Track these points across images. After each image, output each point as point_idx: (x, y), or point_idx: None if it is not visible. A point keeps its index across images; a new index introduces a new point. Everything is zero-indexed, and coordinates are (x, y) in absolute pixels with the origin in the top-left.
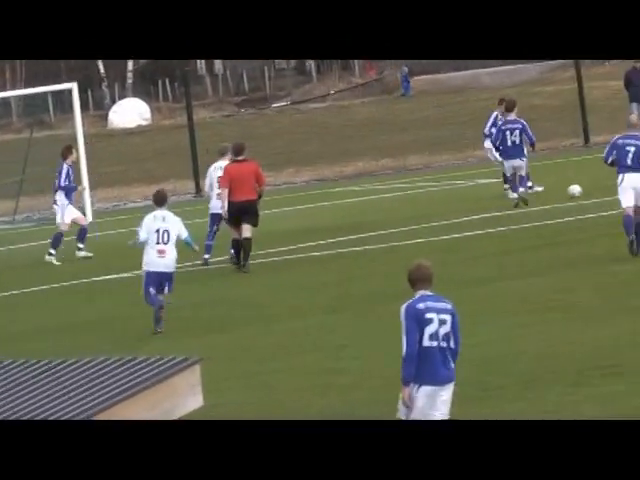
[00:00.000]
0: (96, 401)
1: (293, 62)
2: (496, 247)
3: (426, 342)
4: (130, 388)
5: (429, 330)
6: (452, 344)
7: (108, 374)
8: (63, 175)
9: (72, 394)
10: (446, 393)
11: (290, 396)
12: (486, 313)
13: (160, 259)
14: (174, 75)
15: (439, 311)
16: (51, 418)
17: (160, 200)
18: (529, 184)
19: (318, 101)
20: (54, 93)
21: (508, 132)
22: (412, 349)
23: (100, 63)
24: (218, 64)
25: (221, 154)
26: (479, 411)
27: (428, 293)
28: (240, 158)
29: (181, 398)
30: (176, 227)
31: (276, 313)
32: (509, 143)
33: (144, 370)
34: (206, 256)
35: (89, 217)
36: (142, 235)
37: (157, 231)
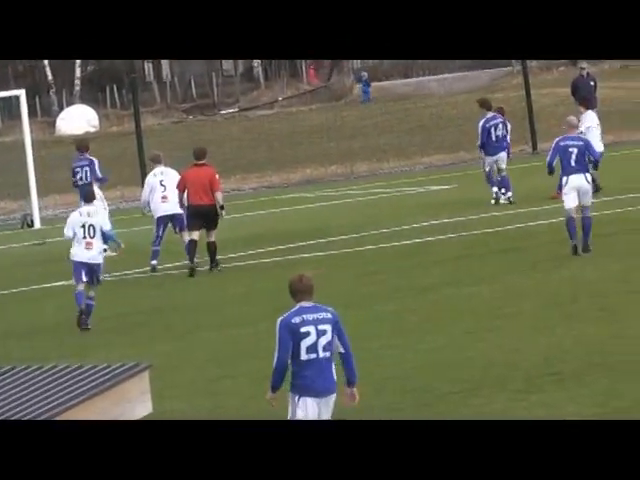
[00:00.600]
0: (47, 407)
1: (241, 68)
2: (447, 254)
3: (304, 356)
4: (80, 395)
5: (305, 343)
6: (341, 349)
7: (57, 381)
8: (97, 167)
9: (23, 400)
10: (326, 405)
11: (236, 403)
12: (435, 320)
13: (87, 251)
14: (122, 82)
15: (317, 322)
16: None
17: (88, 197)
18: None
19: (266, 108)
20: (1, 99)
21: (492, 128)
22: (280, 363)
23: (48, 69)
24: (166, 70)
25: (155, 161)
26: (427, 417)
27: (307, 305)
28: (200, 162)
29: (130, 404)
30: (100, 221)
31: (225, 320)
32: (493, 138)
33: (93, 377)
34: (153, 262)
35: (37, 224)
36: (67, 233)
37: (83, 226)
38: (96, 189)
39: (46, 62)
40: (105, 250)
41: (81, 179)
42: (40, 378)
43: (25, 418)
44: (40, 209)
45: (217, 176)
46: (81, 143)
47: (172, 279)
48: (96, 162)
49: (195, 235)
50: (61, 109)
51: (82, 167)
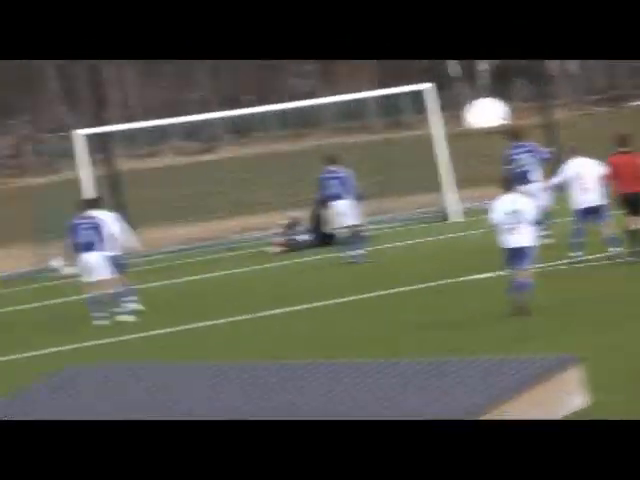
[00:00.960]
0: (481, 400)
1: None
2: None
3: None
4: (515, 387)
5: None
6: None
7: (480, 374)
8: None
9: (455, 393)
10: None
11: None
12: None
13: (513, 237)
14: (530, 74)
15: None
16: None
17: (516, 184)
18: None
19: None
20: (409, 94)
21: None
22: None
23: (451, 63)
24: (573, 64)
25: (573, 152)
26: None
27: None
28: (625, 150)
29: (567, 396)
30: (526, 207)
31: None
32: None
33: (528, 368)
34: (577, 253)
35: (458, 216)
36: (493, 218)
37: (510, 212)
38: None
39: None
40: (541, 236)
41: (520, 167)
42: (475, 369)
43: (463, 409)
44: (453, 202)
45: None
46: (516, 131)
47: (595, 269)
48: (538, 147)
49: (634, 223)
50: (467, 102)
51: (520, 154)
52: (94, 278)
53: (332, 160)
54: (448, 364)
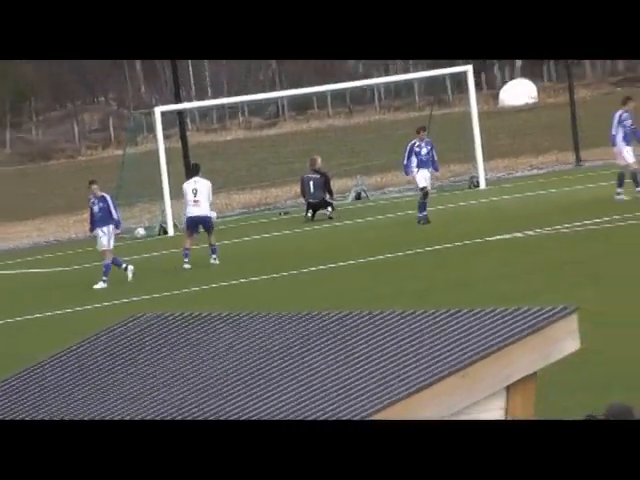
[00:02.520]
0: (474, 352)
1: None
2: None
3: None
4: (509, 337)
5: None
6: None
7: (483, 324)
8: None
9: (451, 343)
10: None
11: None
12: None
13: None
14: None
15: None
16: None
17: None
18: None
19: None
20: (451, 74)
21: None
22: None
23: None
24: None
25: None
26: None
27: None
28: None
29: (560, 343)
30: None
31: None
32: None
33: (520, 319)
34: None
35: (482, 185)
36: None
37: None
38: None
39: None
40: None
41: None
42: (464, 322)
43: (458, 360)
44: (485, 171)
45: None
46: (625, 98)
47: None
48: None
49: None
50: (504, 83)
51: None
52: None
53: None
54: (444, 314)
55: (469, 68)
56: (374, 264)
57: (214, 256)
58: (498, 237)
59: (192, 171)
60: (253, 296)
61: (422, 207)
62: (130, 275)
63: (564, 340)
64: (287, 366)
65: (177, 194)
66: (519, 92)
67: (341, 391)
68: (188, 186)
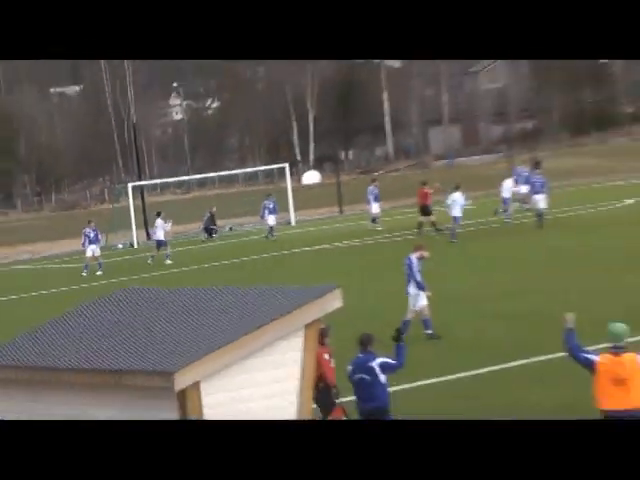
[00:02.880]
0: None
1: None
2: None
3: None
4: (305, 300)
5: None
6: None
7: (266, 298)
8: None
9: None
10: None
11: None
12: None
13: None
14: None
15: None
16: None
17: None
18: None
19: None
20: (272, 169)
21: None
22: None
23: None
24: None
25: None
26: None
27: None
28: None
29: (330, 302)
30: None
31: None
32: None
33: (312, 291)
34: None
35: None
36: None
37: None
38: None
39: None
40: None
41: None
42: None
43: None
44: (295, 216)
45: None
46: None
47: None
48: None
49: None
50: (304, 172)
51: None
52: None
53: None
54: (268, 290)
55: (286, 164)
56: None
57: (168, 260)
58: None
59: (157, 215)
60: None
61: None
62: (100, 272)
63: (332, 301)
64: (160, 319)
65: (139, 226)
66: (312, 177)
67: (189, 336)
68: (159, 222)
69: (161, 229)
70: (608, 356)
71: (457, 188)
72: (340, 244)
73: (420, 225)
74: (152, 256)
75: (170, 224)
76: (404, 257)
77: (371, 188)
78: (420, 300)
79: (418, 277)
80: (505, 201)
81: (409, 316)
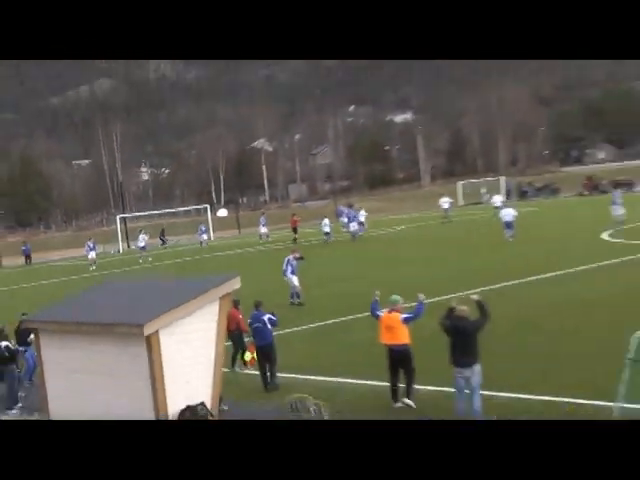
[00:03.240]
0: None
1: None
2: None
3: None
4: (221, 282)
5: None
6: None
7: (177, 286)
8: None
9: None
10: None
11: None
12: None
13: None
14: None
15: None
16: None
17: None
18: None
19: None
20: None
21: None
22: None
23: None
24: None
25: None
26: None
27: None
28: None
29: (235, 284)
30: None
31: None
32: None
33: (225, 278)
34: None
35: None
36: None
37: None
38: None
39: None
40: None
41: None
42: (156, 283)
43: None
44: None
45: None
46: None
47: None
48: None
49: None
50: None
51: None
52: None
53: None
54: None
55: (208, 205)
56: None
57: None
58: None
59: (139, 232)
60: None
61: None
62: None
63: (235, 284)
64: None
65: (123, 240)
66: (222, 212)
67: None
68: (142, 237)
69: (143, 240)
70: (386, 313)
71: (324, 217)
72: (240, 250)
73: (294, 239)
74: (140, 256)
75: (148, 236)
76: (284, 257)
77: (262, 218)
78: (294, 281)
79: (291, 269)
80: (344, 225)
81: (295, 289)
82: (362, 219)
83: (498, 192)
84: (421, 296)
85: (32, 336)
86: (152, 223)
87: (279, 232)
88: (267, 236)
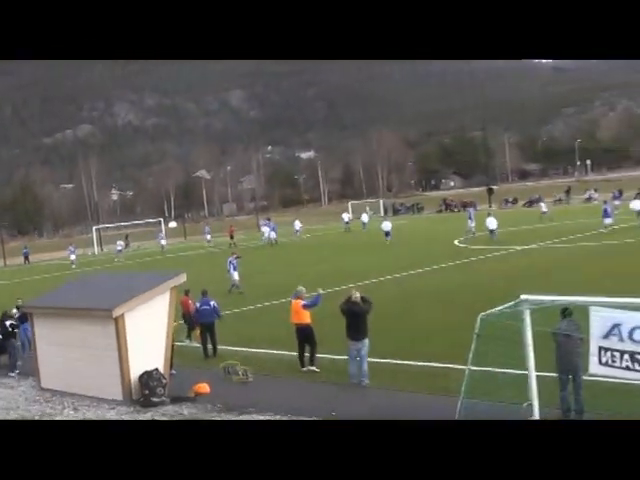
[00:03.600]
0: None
1: None
2: None
3: None
4: (170, 277)
5: None
6: None
7: (126, 280)
8: None
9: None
10: None
11: None
12: None
13: None
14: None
15: None
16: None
17: None
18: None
19: None
20: None
21: None
22: None
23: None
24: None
25: None
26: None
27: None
28: None
29: (180, 278)
30: None
31: None
32: None
33: (174, 274)
34: None
35: None
36: None
37: None
38: None
39: None
40: None
41: None
42: (122, 277)
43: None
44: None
45: None
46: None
47: None
48: None
49: None
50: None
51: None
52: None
53: None
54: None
55: (162, 219)
56: None
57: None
58: (172, 255)
59: (119, 238)
60: None
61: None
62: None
63: (181, 278)
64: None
65: (98, 245)
66: (173, 224)
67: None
68: (120, 242)
69: (120, 245)
70: (294, 300)
71: (267, 222)
72: (185, 253)
73: (234, 244)
74: (117, 257)
75: (124, 242)
76: (227, 257)
77: (206, 228)
78: (234, 276)
79: (232, 267)
80: (264, 234)
81: (236, 282)
82: (298, 227)
83: (366, 212)
84: (319, 290)
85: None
86: (120, 232)
87: (219, 239)
88: (210, 241)
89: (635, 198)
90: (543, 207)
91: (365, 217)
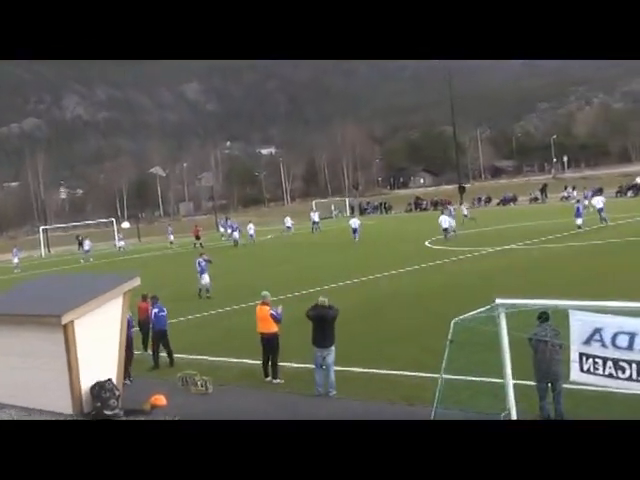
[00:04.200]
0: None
1: None
2: None
3: None
4: (126, 280)
5: None
6: None
7: (85, 282)
8: None
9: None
10: None
11: None
12: None
13: None
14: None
15: None
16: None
17: None
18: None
19: None
20: None
21: None
22: None
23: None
24: None
25: None
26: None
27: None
28: None
29: (135, 282)
30: None
31: None
32: None
33: (128, 278)
34: None
35: None
36: None
37: None
38: None
39: None
40: None
41: None
42: (71, 281)
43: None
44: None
45: None
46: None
47: None
48: None
49: None
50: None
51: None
52: None
53: None
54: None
55: (114, 219)
56: None
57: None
58: (136, 256)
59: (83, 238)
60: None
61: None
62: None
63: (135, 282)
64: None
65: (45, 247)
66: (125, 224)
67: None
68: (87, 242)
69: (88, 245)
70: (259, 306)
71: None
72: (148, 254)
73: (201, 244)
74: (84, 258)
75: (88, 241)
76: (194, 259)
77: (169, 229)
78: (204, 278)
79: (200, 269)
80: (224, 234)
81: (202, 285)
82: (252, 232)
83: (315, 211)
84: (280, 307)
85: None
86: (68, 233)
87: (182, 239)
88: (172, 242)
89: (593, 195)
90: (464, 210)
91: (315, 216)
